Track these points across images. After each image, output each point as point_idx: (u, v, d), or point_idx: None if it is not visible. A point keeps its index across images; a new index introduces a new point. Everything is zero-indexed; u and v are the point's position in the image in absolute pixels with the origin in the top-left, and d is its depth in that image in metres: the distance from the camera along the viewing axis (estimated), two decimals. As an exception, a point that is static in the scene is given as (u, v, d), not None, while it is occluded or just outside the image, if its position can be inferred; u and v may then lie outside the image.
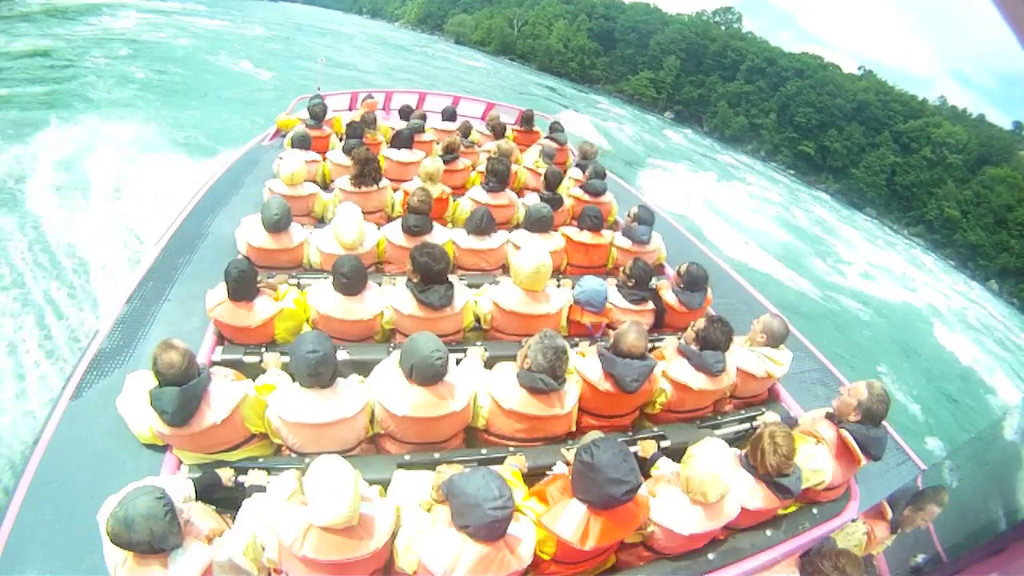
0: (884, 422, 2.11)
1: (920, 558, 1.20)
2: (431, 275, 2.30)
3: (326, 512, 1.34)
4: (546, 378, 1.88)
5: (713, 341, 2.18)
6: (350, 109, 5.88)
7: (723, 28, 38.53)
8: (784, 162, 34.47)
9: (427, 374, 1.78)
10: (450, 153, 4.01)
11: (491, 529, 1.36)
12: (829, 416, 2.08)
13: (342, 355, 2.12)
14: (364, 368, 2.08)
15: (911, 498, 1.37)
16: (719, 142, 35.02)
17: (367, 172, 3.33)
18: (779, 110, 35.05)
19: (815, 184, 32.98)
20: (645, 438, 2.14)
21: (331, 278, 2.32)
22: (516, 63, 41.01)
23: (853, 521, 1.90)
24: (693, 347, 2.23)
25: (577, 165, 4.45)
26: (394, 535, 1.50)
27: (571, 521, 1.50)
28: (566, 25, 39.92)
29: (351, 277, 2.28)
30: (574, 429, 2.11)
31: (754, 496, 1.80)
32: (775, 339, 2.40)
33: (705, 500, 1.64)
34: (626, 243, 3.29)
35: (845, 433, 1.96)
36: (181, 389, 1.68)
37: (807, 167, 33.83)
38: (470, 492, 1.37)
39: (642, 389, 2.07)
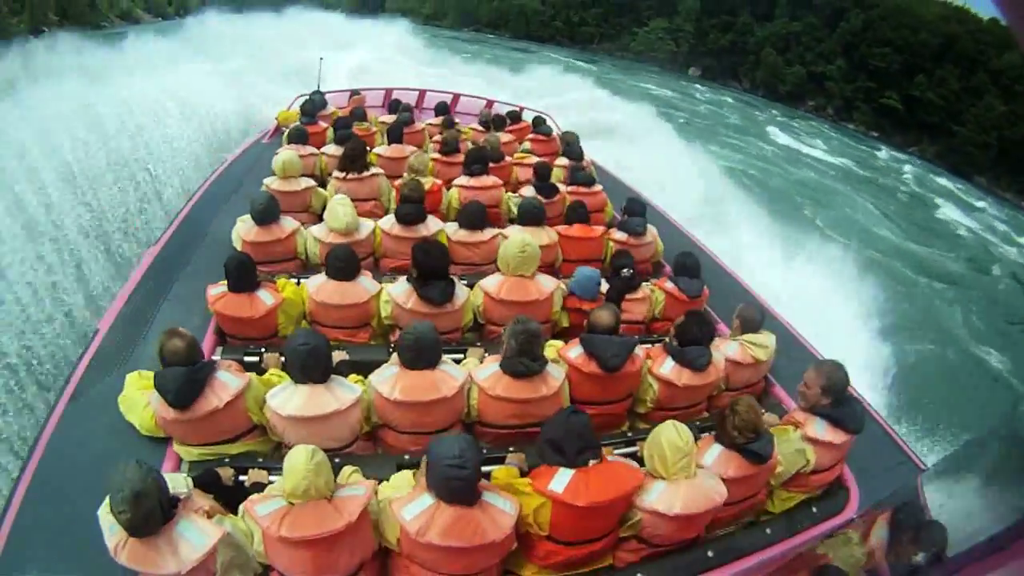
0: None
1: (920, 557, 1.42)
2: (431, 269, 2.89)
3: (288, 478, 1.77)
4: (526, 361, 2.39)
5: (691, 336, 2.72)
6: (346, 107, 6.90)
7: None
8: (862, 121, 32.25)
9: (404, 349, 2.33)
10: (449, 145, 4.96)
11: (449, 487, 1.78)
12: (803, 408, 2.59)
13: (341, 355, 2.68)
14: (364, 369, 2.54)
15: (912, 529, 1.64)
16: (770, 102, 32.02)
17: (350, 156, 4.20)
18: (844, 53, 32.53)
19: (905, 147, 32.21)
20: (644, 439, 2.47)
21: (324, 268, 2.99)
22: (486, 35, 37.90)
23: (852, 532, 2.26)
24: (675, 343, 2.78)
25: (563, 153, 5.46)
26: (376, 520, 1.93)
27: (561, 481, 1.94)
28: None
29: (345, 260, 2.92)
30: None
31: (728, 465, 2.24)
32: (751, 325, 3.03)
33: (671, 473, 2.09)
34: (622, 236, 4.03)
35: (815, 417, 2.48)
36: (187, 370, 2.18)
37: (892, 126, 31.97)
38: (434, 451, 1.81)
39: (628, 370, 2.64)
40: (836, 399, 2.46)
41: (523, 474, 2.22)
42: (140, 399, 2.32)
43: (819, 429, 2.45)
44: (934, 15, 32.87)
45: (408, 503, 1.80)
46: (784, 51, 34.75)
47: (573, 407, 2.19)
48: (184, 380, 2.15)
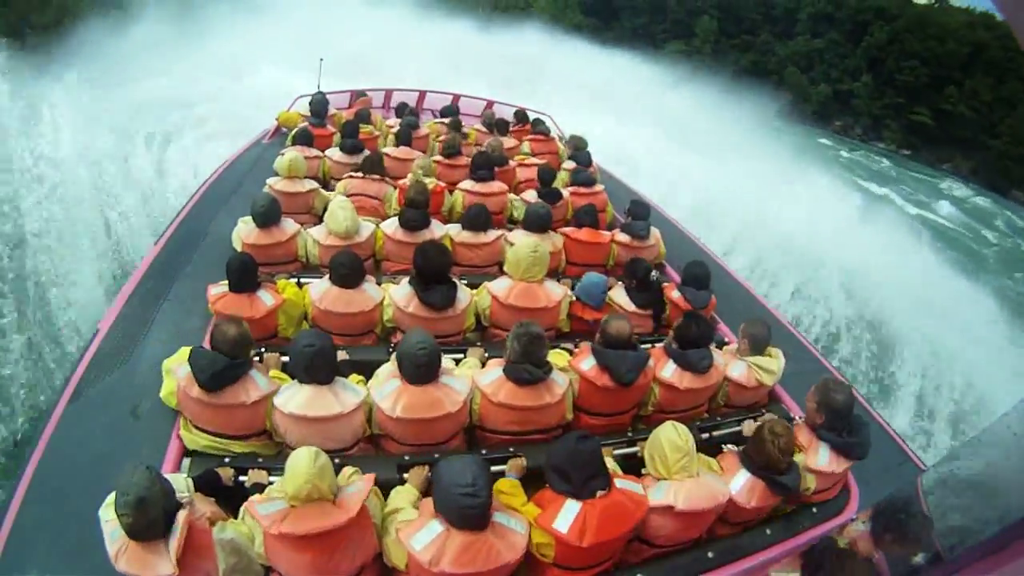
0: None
1: (920, 557, 1.48)
2: (432, 273, 2.96)
3: (290, 481, 1.80)
4: (530, 368, 2.43)
5: (691, 338, 2.78)
6: (349, 107, 7.08)
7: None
8: (892, 139, 31.94)
9: (411, 366, 2.32)
10: (451, 148, 5.15)
11: (462, 516, 1.77)
12: (807, 423, 2.61)
13: (342, 355, 2.68)
14: (364, 368, 2.65)
15: (896, 526, 1.68)
16: (795, 124, 31.61)
17: (371, 161, 4.45)
18: (870, 68, 32.36)
19: (938, 164, 31.50)
20: (643, 439, 2.52)
21: (328, 273, 3.04)
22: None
23: (852, 522, 2.29)
24: (675, 346, 2.83)
25: (570, 157, 5.66)
26: (381, 525, 1.98)
27: (567, 518, 1.93)
28: (550, 1, 38.19)
29: (350, 267, 2.97)
30: (570, 417, 2.71)
31: (753, 494, 2.28)
32: (758, 344, 2.98)
33: (673, 472, 2.15)
34: (625, 239, 4.15)
35: (821, 444, 2.50)
36: (228, 361, 2.26)
37: (923, 142, 31.33)
38: (445, 477, 1.79)
39: (639, 383, 2.67)
40: (837, 421, 2.48)
41: (522, 478, 2.31)
42: (174, 370, 2.38)
43: (822, 460, 2.47)
44: (959, 23, 32.54)
45: (417, 531, 1.80)
46: (808, 69, 34.48)
47: (583, 432, 2.14)
48: (220, 369, 2.24)
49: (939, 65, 31.95)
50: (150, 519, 1.63)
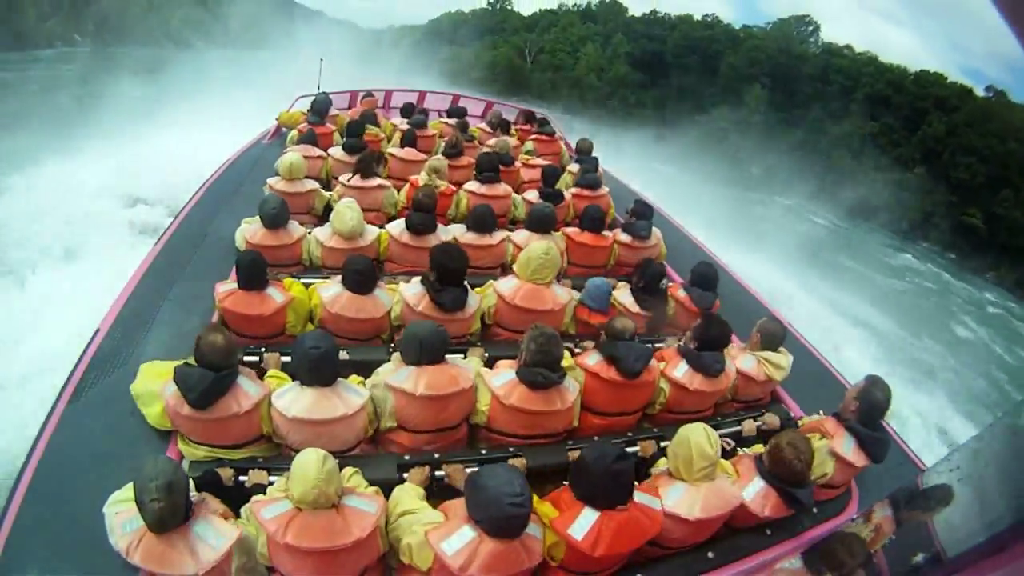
0: (885, 423, 2.85)
1: (920, 557, 1.44)
2: (448, 275, 3.02)
3: (297, 483, 1.84)
4: (545, 372, 2.49)
5: (711, 340, 2.87)
6: (349, 108, 7.22)
7: (801, 44, 36.82)
8: (938, 239, 30.87)
9: (430, 343, 2.45)
10: (453, 148, 5.14)
11: (507, 524, 1.81)
12: (835, 415, 2.75)
13: (341, 355, 2.61)
14: (364, 368, 2.70)
15: (916, 499, 1.69)
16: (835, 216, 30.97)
17: (363, 161, 4.39)
18: (924, 160, 31.16)
19: (982, 272, 30.72)
20: (645, 438, 2.74)
21: (341, 276, 3.06)
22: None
23: (853, 520, 2.37)
24: (691, 348, 2.91)
25: (576, 160, 5.69)
26: (386, 530, 2.01)
27: (583, 526, 1.96)
28: (597, 50, 37.51)
29: (365, 274, 3.01)
30: (575, 424, 2.78)
31: (766, 504, 2.34)
32: (772, 341, 3.12)
33: (694, 478, 2.20)
34: (627, 239, 4.17)
35: (847, 434, 2.61)
36: (216, 375, 2.28)
37: (970, 246, 30.39)
38: (492, 486, 1.81)
39: (645, 379, 2.76)
40: (868, 417, 2.62)
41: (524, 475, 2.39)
42: (156, 389, 2.42)
43: (847, 447, 2.60)
44: (1022, 120, 31.54)
45: (448, 536, 1.83)
46: (859, 154, 33.56)
47: (620, 451, 2.12)
48: (209, 385, 2.26)
49: (997, 164, 31.35)
50: (177, 505, 1.69)
